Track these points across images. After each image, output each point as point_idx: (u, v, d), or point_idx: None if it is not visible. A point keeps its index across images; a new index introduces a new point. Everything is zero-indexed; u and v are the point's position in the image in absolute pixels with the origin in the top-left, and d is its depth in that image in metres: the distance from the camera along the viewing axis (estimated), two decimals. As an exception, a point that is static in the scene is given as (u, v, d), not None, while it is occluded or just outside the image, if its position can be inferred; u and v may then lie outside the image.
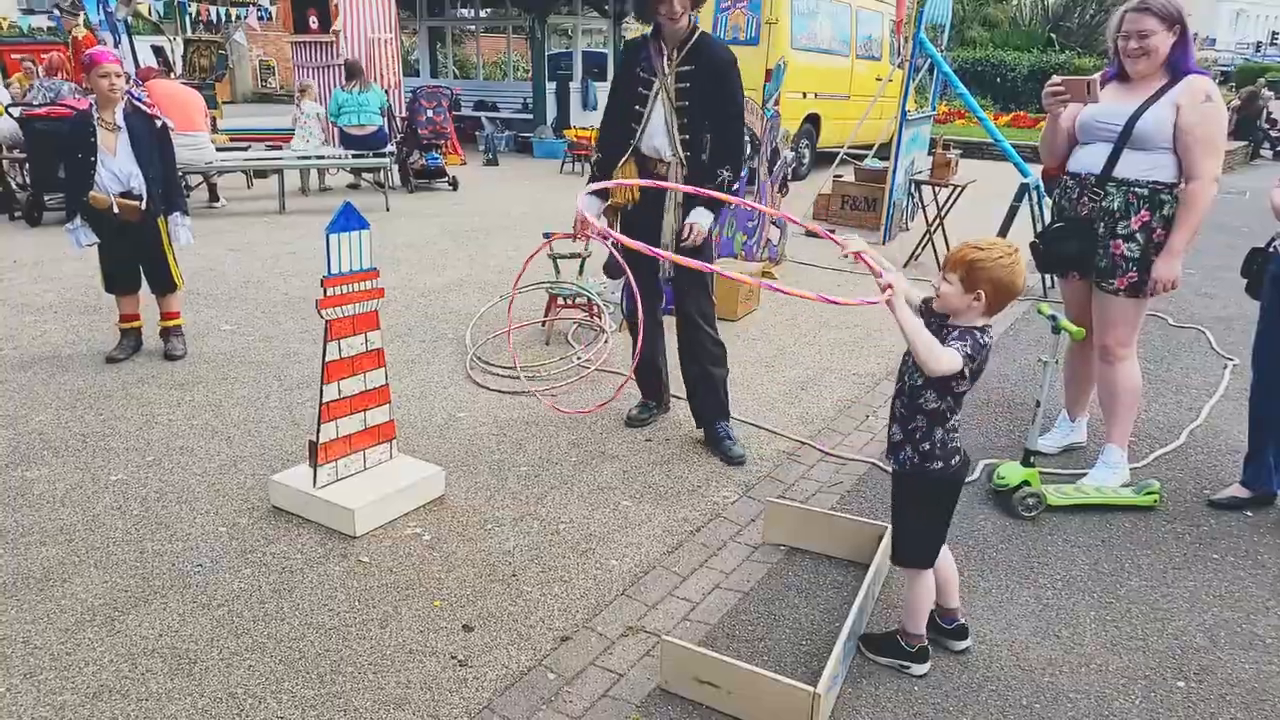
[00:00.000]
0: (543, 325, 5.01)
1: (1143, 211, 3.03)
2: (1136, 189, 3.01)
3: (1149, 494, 3.27)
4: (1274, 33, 55.78)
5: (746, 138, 5.82)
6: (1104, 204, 3.08)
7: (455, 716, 2.12)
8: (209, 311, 5.19)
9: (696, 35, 3.27)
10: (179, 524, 2.91)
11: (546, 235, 4.63)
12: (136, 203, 4.15)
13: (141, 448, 3.44)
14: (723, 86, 3.25)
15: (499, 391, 4.14)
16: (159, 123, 4.31)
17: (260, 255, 6.59)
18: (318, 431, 2.91)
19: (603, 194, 3.35)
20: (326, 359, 2.88)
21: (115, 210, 4.11)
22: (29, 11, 22.24)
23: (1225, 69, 34.04)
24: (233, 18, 15.66)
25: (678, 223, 3.34)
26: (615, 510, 3.13)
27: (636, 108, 3.32)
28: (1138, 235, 3.06)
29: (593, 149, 3.44)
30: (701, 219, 3.32)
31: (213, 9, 15.80)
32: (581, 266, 5.01)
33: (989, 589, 2.73)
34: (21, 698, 2.12)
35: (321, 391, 2.89)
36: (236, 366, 4.33)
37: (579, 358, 4.58)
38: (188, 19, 15.55)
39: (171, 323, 4.49)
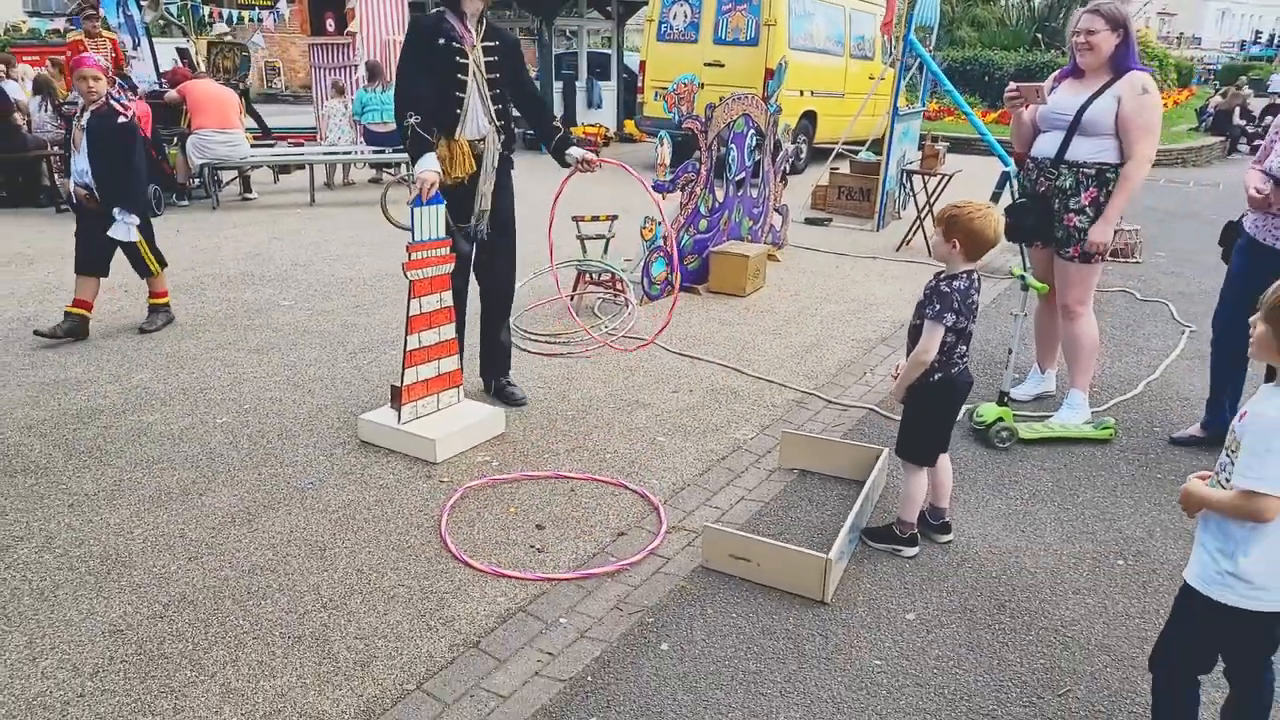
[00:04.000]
0: (571, 299, 5.54)
1: (1091, 189, 3.58)
2: (1085, 169, 3.57)
3: (1105, 429, 3.83)
4: (1257, 31, 56.57)
5: (752, 129, 6.39)
6: (1058, 183, 3.63)
7: (541, 588, 2.66)
8: (267, 290, 5.72)
9: (487, 17, 3.53)
10: (284, 454, 3.45)
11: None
12: (87, 193, 4.56)
13: (236, 399, 3.97)
14: (521, 62, 3.68)
15: (539, 354, 4.67)
16: (120, 120, 4.51)
17: (301, 242, 7.11)
18: (402, 376, 3.45)
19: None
20: (410, 314, 3.40)
21: (73, 200, 4.63)
22: (35, 14, 22.66)
23: (1211, 67, 34.76)
24: (243, 20, 16.14)
25: (491, 186, 3.64)
26: (652, 443, 3.67)
27: (456, 94, 3.44)
28: (1087, 209, 3.61)
29: (399, 115, 3.46)
30: (577, 150, 3.76)
31: (224, 11, 16.30)
32: (606, 246, 5.54)
33: (968, 499, 3.28)
34: (190, 574, 2.65)
35: (405, 342, 3.42)
36: (302, 335, 4.86)
37: (607, 327, 5.12)
38: (202, 21, 16.06)
39: (157, 300, 4.90)
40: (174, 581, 2.60)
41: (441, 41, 3.43)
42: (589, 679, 2.28)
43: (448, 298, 3.55)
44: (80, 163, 4.55)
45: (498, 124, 3.62)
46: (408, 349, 3.42)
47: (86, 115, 4.51)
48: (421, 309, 3.44)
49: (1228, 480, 1.72)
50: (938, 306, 2.63)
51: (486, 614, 2.52)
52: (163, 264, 4.88)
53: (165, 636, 2.36)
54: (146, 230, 4.77)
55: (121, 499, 3.06)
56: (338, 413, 3.84)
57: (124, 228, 4.60)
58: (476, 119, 3.55)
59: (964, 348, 2.76)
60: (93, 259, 4.68)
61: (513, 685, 2.25)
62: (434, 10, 3.58)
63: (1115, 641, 2.49)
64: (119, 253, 4.74)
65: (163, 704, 2.12)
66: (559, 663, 2.34)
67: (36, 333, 4.54)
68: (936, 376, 2.74)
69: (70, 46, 10.37)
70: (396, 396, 3.51)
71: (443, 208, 3.47)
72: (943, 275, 2.70)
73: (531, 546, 2.87)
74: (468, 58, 3.47)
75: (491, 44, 3.55)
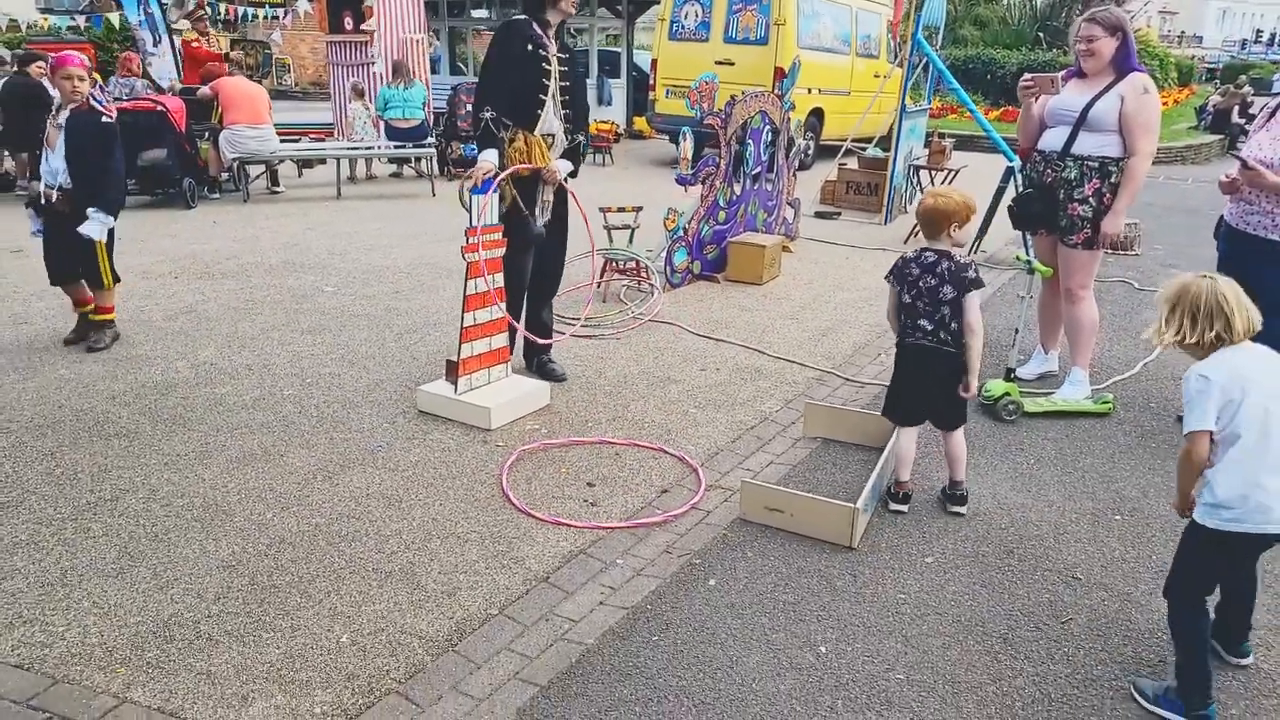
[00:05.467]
0: (598, 286, 5.85)
1: (1094, 180, 3.89)
2: (1089, 163, 3.87)
3: (1104, 403, 4.14)
4: (1258, 30, 56.84)
5: (768, 126, 6.70)
6: (1063, 175, 3.94)
7: (597, 535, 2.97)
8: (309, 276, 6.02)
9: (564, 26, 3.89)
10: (351, 421, 3.75)
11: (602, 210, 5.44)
12: (61, 195, 4.35)
13: (298, 374, 4.27)
14: (582, 78, 4.02)
15: (575, 336, 4.96)
16: (104, 120, 4.40)
17: (334, 233, 7.41)
18: (459, 351, 3.75)
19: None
20: (466, 293, 3.71)
21: (47, 201, 4.37)
22: (48, 10, 22.90)
23: (1212, 65, 35.05)
24: (256, 17, 16.40)
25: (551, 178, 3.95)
26: (685, 415, 3.97)
27: (539, 95, 3.79)
28: (1090, 199, 3.92)
29: (477, 108, 3.80)
30: (562, 167, 4.01)
31: (238, 8, 16.57)
32: (631, 236, 5.85)
33: (978, 464, 3.58)
34: (285, 521, 2.96)
35: (461, 319, 3.73)
36: (350, 319, 5.16)
37: (635, 312, 5.42)
38: (217, 19, 16.32)
39: (101, 316, 4.58)
40: (271, 527, 2.91)
41: (530, 47, 3.77)
42: (648, 607, 2.59)
43: (499, 279, 3.85)
44: (55, 162, 4.35)
45: (565, 125, 3.97)
46: (464, 325, 3.73)
47: (64, 114, 4.35)
48: (476, 288, 3.74)
49: None
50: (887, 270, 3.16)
51: (552, 555, 2.83)
52: (116, 279, 4.60)
53: (273, 570, 2.67)
54: (109, 241, 4.52)
55: (211, 459, 3.36)
56: (393, 386, 4.15)
57: (98, 226, 4.38)
58: (549, 119, 3.90)
59: (916, 320, 3.06)
60: (64, 267, 4.51)
61: (581, 612, 2.56)
62: (521, 16, 3.88)
63: (1112, 580, 2.80)
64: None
65: (281, 623, 2.43)
66: (620, 595, 2.65)
67: (66, 342, 4.52)
68: (895, 341, 3.19)
69: (184, 45, 10.82)
70: (451, 370, 3.81)
71: (496, 196, 3.77)
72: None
73: (585, 501, 3.18)
74: (550, 64, 3.82)
75: (564, 55, 3.92)
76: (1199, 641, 2.21)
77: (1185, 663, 2.22)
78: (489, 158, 3.76)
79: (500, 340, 3.93)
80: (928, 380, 3.12)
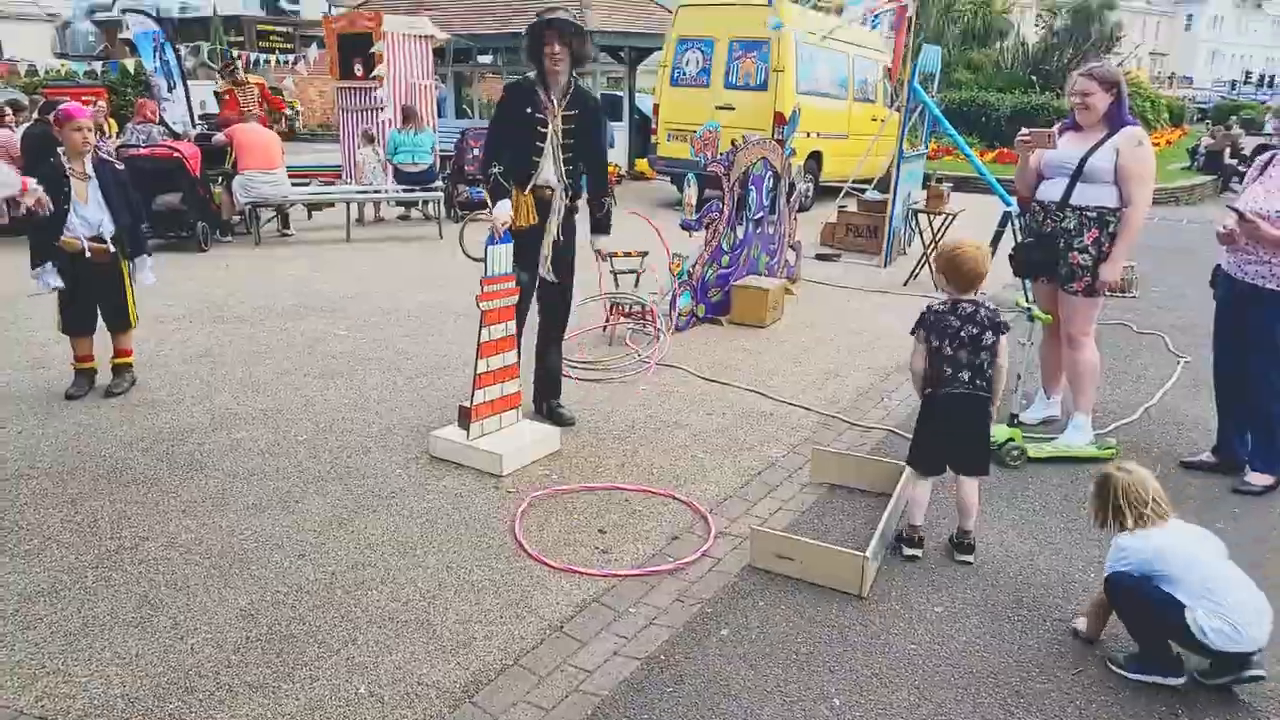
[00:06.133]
0: (604, 330, 5.93)
1: (1093, 230, 3.98)
2: (1087, 213, 3.97)
3: (1108, 449, 4.19)
4: (1247, 72, 57.85)
5: (770, 172, 6.84)
6: (1063, 224, 4.04)
7: (609, 583, 3.00)
8: (321, 320, 6.10)
9: (575, 83, 4.06)
10: (364, 467, 3.80)
11: (604, 254, 5.42)
12: (105, 246, 4.41)
13: (312, 418, 4.33)
14: (597, 126, 4.18)
15: (579, 380, 5.04)
16: (120, 167, 4.66)
17: (344, 275, 7.52)
18: (471, 397, 3.81)
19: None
20: (480, 340, 3.78)
21: (87, 254, 4.34)
22: (64, 55, 23.39)
23: (1203, 105, 35.62)
24: (268, 64, 16.75)
25: (558, 234, 4.10)
26: (693, 460, 4.02)
27: (537, 143, 3.96)
28: (1090, 248, 4.01)
29: (486, 165, 4.03)
30: (604, 238, 4.37)
31: (250, 55, 16.93)
32: (637, 280, 5.94)
33: (984, 511, 3.61)
34: (302, 569, 3.00)
35: (475, 366, 3.79)
36: (361, 362, 5.23)
37: (641, 354, 5.49)
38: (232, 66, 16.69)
39: (123, 360, 4.67)
40: (289, 574, 2.94)
41: (528, 110, 3.92)
42: (662, 657, 2.62)
43: (512, 326, 3.93)
44: (91, 213, 4.39)
45: (566, 181, 4.07)
46: (478, 372, 3.79)
47: (87, 164, 4.41)
48: (490, 336, 3.81)
49: None
50: (914, 324, 3.16)
51: (565, 603, 2.86)
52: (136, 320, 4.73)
53: (290, 619, 2.70)
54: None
55: (228, 505, 3.41)
56: (405, 431, 4.20)
57: (149, 274, 4.65)
58: (546, 172, 4.02)
59: (957, 372, 3.11)
60: (87, 320, 4.54)
61: (596, 662, 2.59)
62: (527, 77, 4.03)
63: (1122, 629, 2.81)
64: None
65: (300, 673, 2.46)
66: (634, 644, 2.68)
67: (69, 396, 4.48)
68: (926, 392, 3.17)
69: (227, 94, 10.92)
70: (464, 416, 3.87)
71: (510, 246, 3.87)
72: (934, 303, 3.15)
73: (596, 548, 3.22)
74: (547, 127, 3.96)
75: (572, 112, 4.01)
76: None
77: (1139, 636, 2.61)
78: (503, 209, 3.87)
79: (512, 386, 3.99)
80: (964, 428, 3.18)
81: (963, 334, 3.10)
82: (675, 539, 3.32)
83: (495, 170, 3.95)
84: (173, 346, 5.40)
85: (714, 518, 3.47)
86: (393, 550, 3.14)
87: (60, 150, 4.44)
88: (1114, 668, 2.62)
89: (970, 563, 3.20)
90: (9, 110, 9.03)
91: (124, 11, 16.74)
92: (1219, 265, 3.98)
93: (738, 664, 2.59)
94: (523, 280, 4.04)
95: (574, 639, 2.69)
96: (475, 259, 3.98)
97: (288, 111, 9.09)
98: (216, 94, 12.36)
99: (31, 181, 4.05)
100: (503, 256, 3.82)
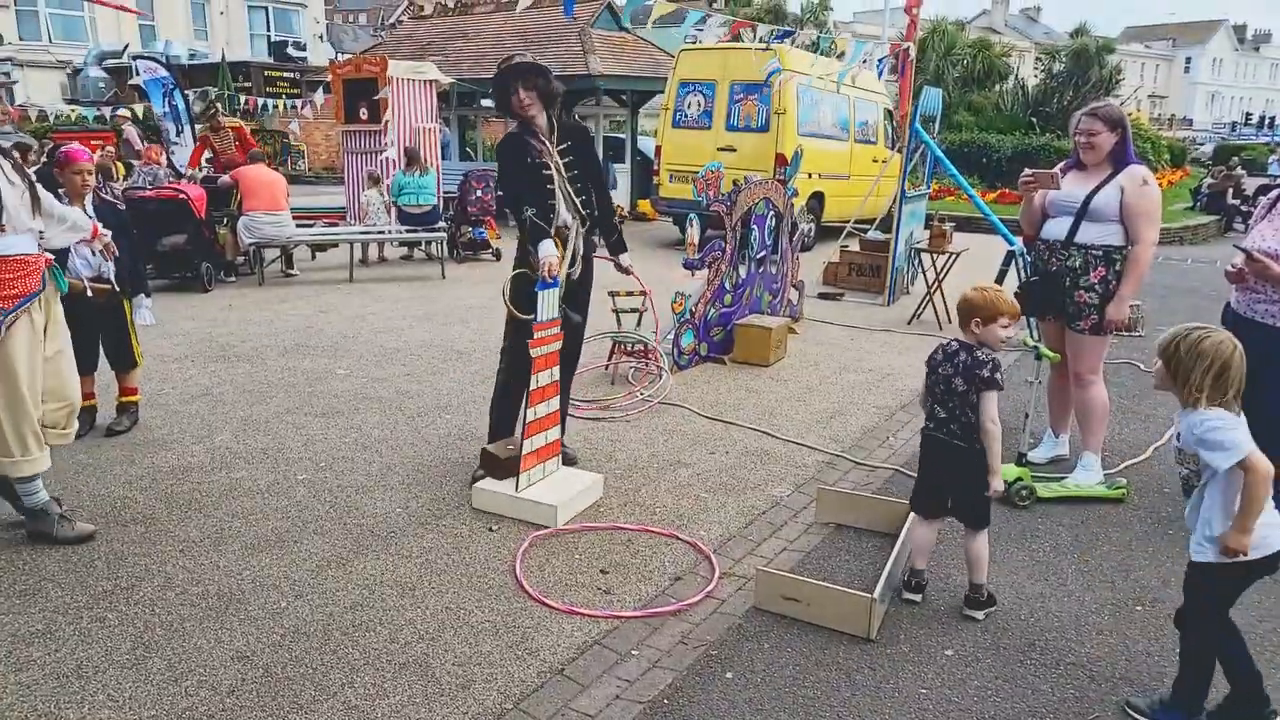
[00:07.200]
0: (606, 369, 5.91)
1: (1099, 268, 3.98)
2: (1093, 251, 3.97)
3: (1118, 489, 4.13)
4: (1247, 114, 58.52)
5: (771, 213, 6.88)
6: (1068, 263, 4.03)
7: (612, 624, 2.94)
8: (322, 359, 6.10)
9: (557, 118, 4.03)
10: (364, 507, 3.76)
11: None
12: (106, 286, 4.38)
13: (312, 458, 4.30)
14: (590, 148, 4.17)
15: (581, 418, 5.00)
16: (121, 207, 4.70)
17: (346, 315, 7.54)
18: (520, 445, 3.72)
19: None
20: (531, 388, 3.67)
21: (89, 294, 4.23)
22: (74, 101, 23.80)
23: (1201, 146, 35.98)
24: (275, 109, 17.05)
25: (577, 257, 4.02)
26: (696, 500, 3.97)
27: (547, 186, 3.90)
28: (1096, 286, 4.00)
29: (516, 213, 3.92)
30: (627, 255, 4.33)
31: (257, 100, 17.23)
32: (640, 319, 5.94)
33: (994, 553, 3.52)
34: (299, 609, 2.94)
35: (525, 414, 3.70)
36: (362, 401, 5.21)
37: (643, 393, 5.47)
38: (237, 110, 16.98)
39: (129, 399, 4.70)
40: (286, 615, 2.89)
41: (529, 160, 3.89)
42: (665, 702, 2.55)
43: (557, 372, 3.85)
44: (96, 254, 4.35)
45: (581, 214, 4.02)
46: (526, 421, 3.69)
47: (88, 206, 4.38)
48: (538, 383, 3.69)
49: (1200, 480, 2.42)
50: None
51: (566, 645, 2.80)
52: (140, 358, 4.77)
53: (287, 661, 2.64)
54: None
55: (225, 545, 3.36)
56: (405, 471, 4.16)
57: (148, 313, 4.69)
58: (562, 214, 3.96)
59: (938, 410, 3.04)
60: (86, 361, 4.43)
61: (597, 706, 2.52)
62: (513, 130, 4.00)
63: (1137, 675, 2.76)
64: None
65: (295, 717, 2.40)
66: (636, 688, 2.61)
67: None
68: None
69: (201, 139, 11.27)
70: (491, 461, 3.81)
71: (559, 290, 3.78)
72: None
73: (598, 588, 3.16)
74: (550, 168, 3.92)
75: (565, 145, 3.99)
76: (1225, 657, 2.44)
77: (1194, 679, 2.45)
78: (549, 249, 3.74)
79: (554, 434, 3.91)
80: (939, 471, 3.12)
81: (939, 370, 3.05)
82: (678, 579, 3.26)
83: (529, 213, 3.81)
84: (174, 385, 5.40)
85: (718, 558, 3.41)
86: (391, 591, 3.08)
87: (61, 192, 4.40)
88: (1131, 713, 2.55)
89: (979, 619, 3.07)
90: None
91: (134, 58, 17.08)
92: (1228, 303, 3.96)
93: (743, 709, 2.52)
94: (574, 320, 4.03)
95: (575, 682, 2.62)
96: (524, 316, 3.85)
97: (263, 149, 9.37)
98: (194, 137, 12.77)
99: (100, 226, 4.08)
100: (552, 300, 3.75)
